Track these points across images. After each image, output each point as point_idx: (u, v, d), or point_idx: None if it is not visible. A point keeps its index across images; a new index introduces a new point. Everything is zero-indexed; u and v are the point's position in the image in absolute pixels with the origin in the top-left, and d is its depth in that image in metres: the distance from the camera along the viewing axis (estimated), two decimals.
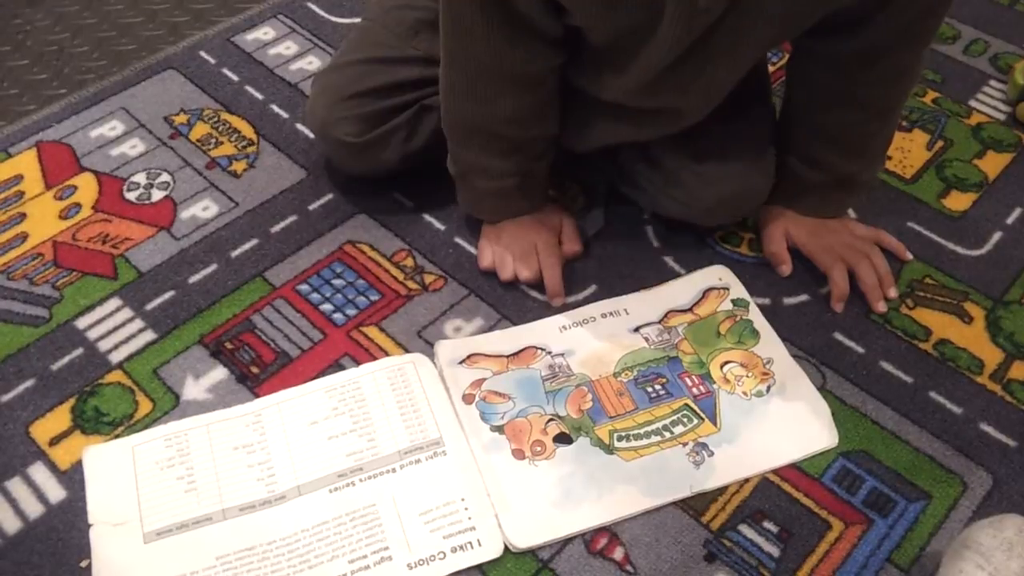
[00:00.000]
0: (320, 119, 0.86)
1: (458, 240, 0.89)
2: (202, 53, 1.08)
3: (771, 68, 1.04)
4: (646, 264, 0.88)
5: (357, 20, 1.12)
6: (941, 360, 0.81)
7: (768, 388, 0.77)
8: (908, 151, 0.99)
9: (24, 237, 0.88)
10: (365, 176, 0.90)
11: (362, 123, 0.83)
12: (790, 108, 0.84)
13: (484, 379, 0.77)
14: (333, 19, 1.14)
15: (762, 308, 0.84)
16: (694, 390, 0.77)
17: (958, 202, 0.95)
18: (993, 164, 0.99)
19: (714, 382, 0.77)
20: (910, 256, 0.88)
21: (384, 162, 0.86)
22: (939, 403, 0.78)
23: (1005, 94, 1.06)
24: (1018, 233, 0.92)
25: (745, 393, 0.77)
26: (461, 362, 0.78)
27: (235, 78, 1.05)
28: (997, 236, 0.91)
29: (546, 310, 0.83)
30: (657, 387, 0.77)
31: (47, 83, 1.06)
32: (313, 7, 1.15)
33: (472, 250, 0.88)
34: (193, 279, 0.85)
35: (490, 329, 0.82)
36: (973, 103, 1.05)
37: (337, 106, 0.84)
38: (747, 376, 0.78)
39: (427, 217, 0.91)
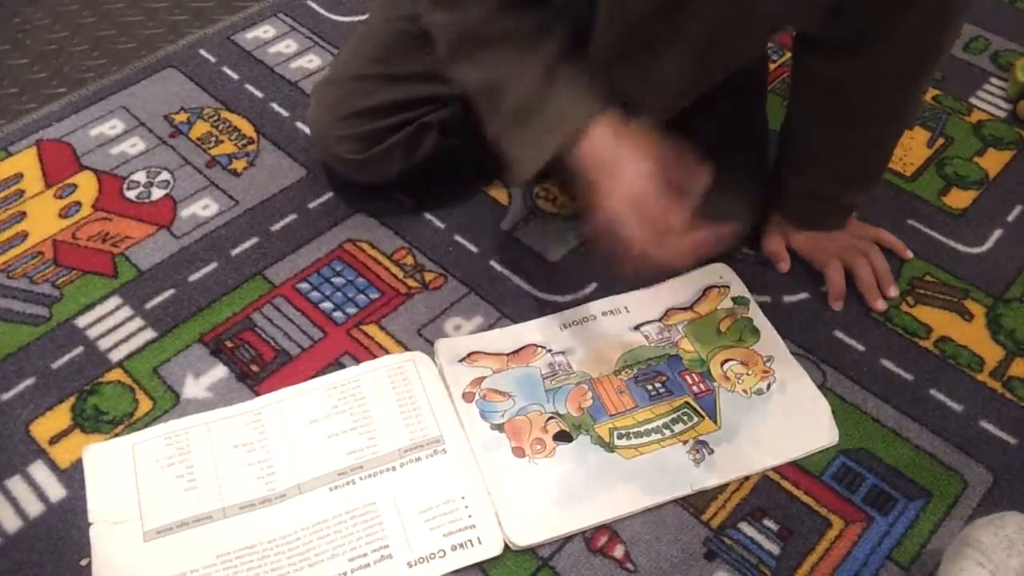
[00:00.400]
0: (320, 136, 0.87)
1: (458, 238, 0.89)
2: (202, 51, 1.08)
3: (771, 68, 1.04)
4: None
5: (357, 18, 1.13)
6: (941, 358, 0.81)
7: (768, 386, 0.77)
8: (909, 149, 0.99)
9: (24, 236, 0.88)
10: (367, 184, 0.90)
11: (361, 141, 0.83)
12: (789, 127, 0.84)
13: (484, 377, 0.77)
14: (333, 17, 1.13)
15: (762, 306, 0.84)
16: (694, 388, 0.77)
17: (958, 199, 0.94)
18: (994, 161, 0.98)
19: (714, 380, 0.77)
20: (910, 254, 0.88)
21: (386, 175, 0.87)
22: (939, 401, 0.78)
23: (1006, 91, 1.06)
24: (1018, 231, 0.92)
25: (745, 391, 0.77)
26: (461, 360, 0.78)
27: (235, 76, 1.05)
28: (997, 234, 0.91)
29: (546, 308, 0.83)
30: (657, 385, 0.77)
31: (47, 82, 1.06)
32: (313, 5, 1.15)
33: (472, 248, 0.88)
34: (193, 277, 0.85)
35: (490, 327, 0.82)
36: (974, 100, 1.05)
37: (337, 125, 0.84)
38: (747, 374, 0.78)
39: (427, 215, 0.91)
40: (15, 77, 1.06)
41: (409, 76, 0.83)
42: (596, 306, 0.83)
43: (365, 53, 0.87)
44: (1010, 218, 0.93)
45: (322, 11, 1.14)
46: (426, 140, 0.85)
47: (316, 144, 0.91)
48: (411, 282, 0.85)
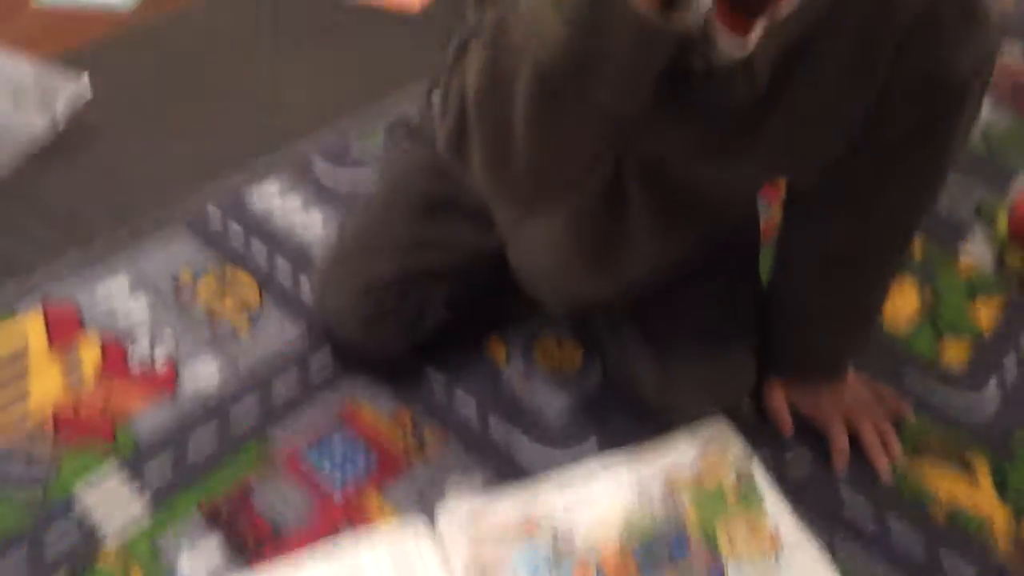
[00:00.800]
0: (324, 316, 0.89)
1: (457, 395, 0.89)
2: (208, 209, 1.11)
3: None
4: (646, 415, 0.87)
5: (363, 172, 1.16)
6: (950, 522, 0.79)
7: (776, 556, 0.75)
8: (900, 304, 1.00)
9: (25, 403, 0.88)
10: None
11: (366, 322, 0.85)
12: (780, 286, 0.85)
13: (486, 550, 0.75)
14: (338, 174, 1.17)
15: (765, 466, 0.83)
16: (701, 561, 0.75)
17: (953, 352, 0.95)
18: (985, 311, 1.00)
19: (721, 552, 0.76)
20: (911, 413, 0.88)
21: (391, 351, 0.89)
22: (951, 570, 0.76)
23: (991, 241, 1.08)
24: (1016, 383, 0.92)
25: (753, 562, 0.75)
26: (463, 531, 0.76)
27: (240, 234, 1.07)
28: (995, 386, 0.92)
29: (548, 465, 0.82)
30: (663, 557, 0.75)
31: (54, 240, 1.07)
32: (318, 163, 1.19)
33: (471, 405, 0.88)
34: (192, 446, 0.84)
35: (490, 484, 0.81)
36: (960, 251, 1.07)
37: (342, 306, 0.86)
38: (755, 544, 0.76)
39: (427, 370, 0.91)
40: (22, 235, 1.08)
41: (416, 246, 0.86)
42: (599, 475, 0.82)
43: (371, 225, 0.89)
44: (1006, 370, 0.94)
45: (327, 169, 1.18)
46: (429, 317, 0.87)
47: (321, 321, 0.92)
48: (411, 444, 0.85)
